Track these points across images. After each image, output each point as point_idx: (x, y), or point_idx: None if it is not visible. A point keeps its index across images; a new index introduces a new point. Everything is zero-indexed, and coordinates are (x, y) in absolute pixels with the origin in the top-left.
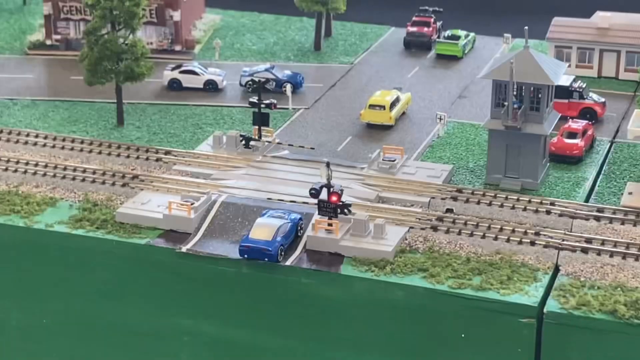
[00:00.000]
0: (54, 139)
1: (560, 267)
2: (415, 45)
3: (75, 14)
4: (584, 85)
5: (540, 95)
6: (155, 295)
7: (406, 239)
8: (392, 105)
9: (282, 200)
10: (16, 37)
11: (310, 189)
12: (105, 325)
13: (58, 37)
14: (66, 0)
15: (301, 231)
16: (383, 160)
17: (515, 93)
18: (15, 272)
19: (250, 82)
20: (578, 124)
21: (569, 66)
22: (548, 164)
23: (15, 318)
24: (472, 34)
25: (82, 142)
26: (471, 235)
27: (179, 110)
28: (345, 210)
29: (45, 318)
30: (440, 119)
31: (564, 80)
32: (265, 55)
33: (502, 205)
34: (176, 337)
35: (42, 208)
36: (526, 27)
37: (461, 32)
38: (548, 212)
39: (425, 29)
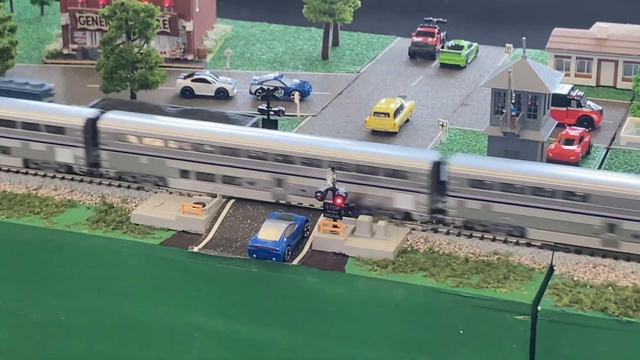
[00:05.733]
0: None
1: (554, 267)
2: (420, 55)
3: (92, 24)
4: (581, 94)
5: (537, 103)
6: (168, 294)
7: (407, 240)
8: (396, 112)
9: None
10: (34, 46)
11: (316, 192)
12: (120, 322)
13: (75, 46)
14: (83, 11)
15: (307, 232)
16: None
17: (513, 101)
18: (35, 270)
19: (259, 90)
20: (575, 131)
21: (568, 75)
22: None
23: (35, 315)
24: (474, 44)
25: None
26: (470, 236)
27: None
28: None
29: (63, 315)
30: (443, 125)
31: (563, 89)
32: (274, 64)
33: None
34: (187, 334)
35: (60, 210)
36: (524, 38)
37: (464, 42)
38: None
39: (430, 39)
